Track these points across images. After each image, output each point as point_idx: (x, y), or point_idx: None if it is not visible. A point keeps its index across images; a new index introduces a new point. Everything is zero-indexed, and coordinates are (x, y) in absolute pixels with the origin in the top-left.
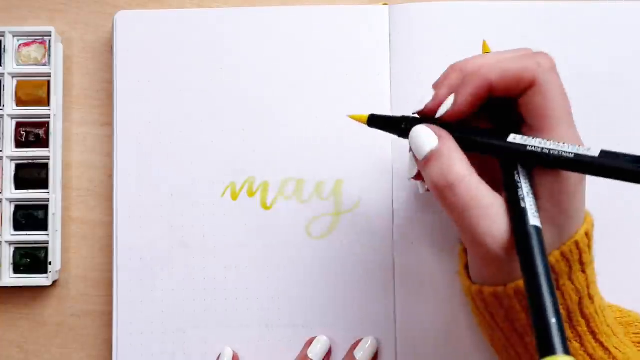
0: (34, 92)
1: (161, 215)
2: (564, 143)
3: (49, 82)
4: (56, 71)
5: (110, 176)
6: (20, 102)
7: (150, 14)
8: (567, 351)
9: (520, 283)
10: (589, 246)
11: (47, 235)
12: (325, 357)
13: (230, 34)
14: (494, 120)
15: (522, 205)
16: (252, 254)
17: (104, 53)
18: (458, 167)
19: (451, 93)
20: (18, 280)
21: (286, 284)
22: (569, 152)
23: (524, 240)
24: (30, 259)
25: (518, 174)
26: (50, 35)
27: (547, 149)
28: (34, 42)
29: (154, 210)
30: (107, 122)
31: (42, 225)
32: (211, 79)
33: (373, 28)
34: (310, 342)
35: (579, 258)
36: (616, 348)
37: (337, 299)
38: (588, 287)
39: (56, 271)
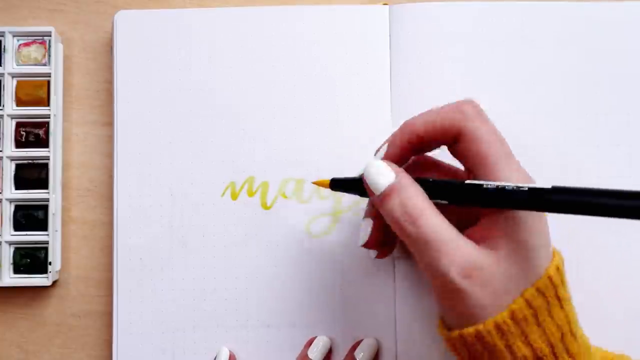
0: (34, 92)
1: (161, 215)
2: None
3: (49, 82)
4: (56, 71)
5: (110, 176)
6: (20, 102)
7: (150, 14)
8: None
9: (500, 317)
10: (562, 281)
11: (47, 235)
12: (325, 357)
13: (230, 33)
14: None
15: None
16: (252, 254)
17: (104, 53)
18: (417, 199)
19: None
20: (18, 280)
21: (286, 284)
22: (524, 187)
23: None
24: (30, 259)
25: None
26: (50, 35)
27: (502, 185)
28: (34, 42)
29: (154, 210)
30: (107, 122)
31: (42, 225)
32: (211, 79)
33: (373, 28)
34: (310, 342)
35: (554, 293)
36: None
37: (337, 299)
38: (569, 324)
39: (56, 271)
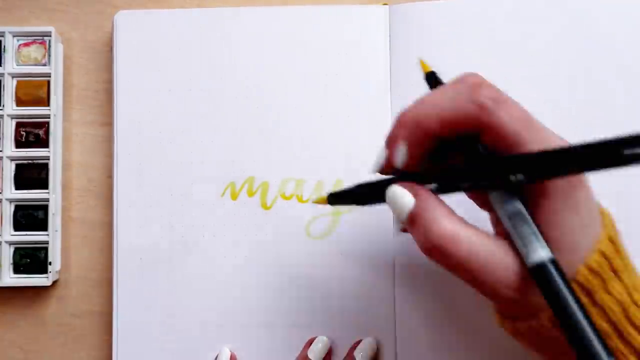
0: (33, 92)
1: (161, 215)
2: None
3: (48, 82)
4: (56, 71)
5: (110, 176)
6: (20, 102)
7: (150, 14)
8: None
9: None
10: (618, 251)
11: (47, 235)
12: (325, 357)
13: (230, 33)
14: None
15: (520, 246)
16: (252, 254)
17: (104, 53)
18: (442, 225)
19: (402, 146)
20: (18, 280)
21: (286, 284)
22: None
23: (538, 279)
24: (30, 259)
25: (509, 213)
26: (50, 35)
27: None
28: (34, 42)
29: (154, 210)
30: (107, 122)
31: (42, 225)
32: (211, 79)
33: (373, 28)
34: (310, 342)
35: (610, 267)
36: None
37: (337, 299)
38: (630, 295)
39: (56, 271)
